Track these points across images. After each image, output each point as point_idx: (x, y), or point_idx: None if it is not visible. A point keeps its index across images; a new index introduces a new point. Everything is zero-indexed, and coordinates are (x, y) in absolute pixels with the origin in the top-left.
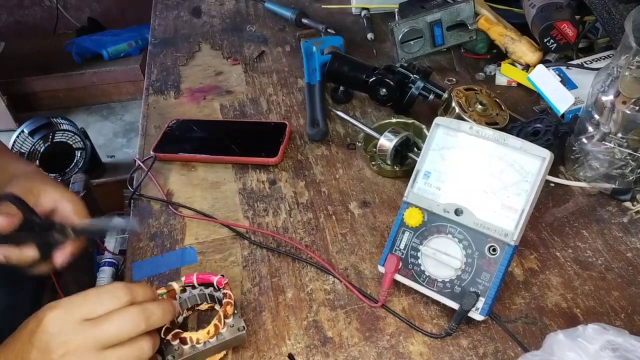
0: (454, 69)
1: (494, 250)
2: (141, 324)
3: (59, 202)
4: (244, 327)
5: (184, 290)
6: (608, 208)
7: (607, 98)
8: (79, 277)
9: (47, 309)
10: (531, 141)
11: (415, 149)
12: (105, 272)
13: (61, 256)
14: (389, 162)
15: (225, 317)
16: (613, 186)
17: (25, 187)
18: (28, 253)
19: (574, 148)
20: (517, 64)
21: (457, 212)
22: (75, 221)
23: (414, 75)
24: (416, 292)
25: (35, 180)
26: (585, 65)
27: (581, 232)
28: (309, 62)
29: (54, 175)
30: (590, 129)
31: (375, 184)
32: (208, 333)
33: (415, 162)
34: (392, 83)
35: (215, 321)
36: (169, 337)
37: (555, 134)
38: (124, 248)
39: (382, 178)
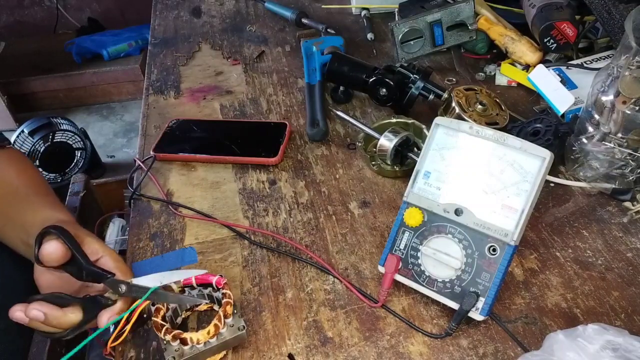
0: (454, 69)
1: (494, 250)
2: None
3: (101, 256)
4: (244, 326)
5: (182, 291)
6: (608, 208)
7: (607, 98)
8: None
9: None
10: (531, 141)
11: (415, 149)
12: None
13: (107, 316)
14: (389, 162)
15: (225, 316)
16: (613, 186)
17: (69, 232)
18: (70, 316)
19: (574, 148)
20: (517, 64)
21: (457, 212)
22: (119, 278)
23: (414, 75)
24: (416, 292)
25: (77, 229)
26: (585, 65)
27: (581, 232)
28: (309, 62)
29: (54, 175)
30: (590, 129)
31: (375, 184)
32: (208, 333)
33: (415, 162)
34: (392, 83)
35: (215, 321)
36: (169, 338)
37: (555, 134)
38: (124, 248)
39: (382, 178)
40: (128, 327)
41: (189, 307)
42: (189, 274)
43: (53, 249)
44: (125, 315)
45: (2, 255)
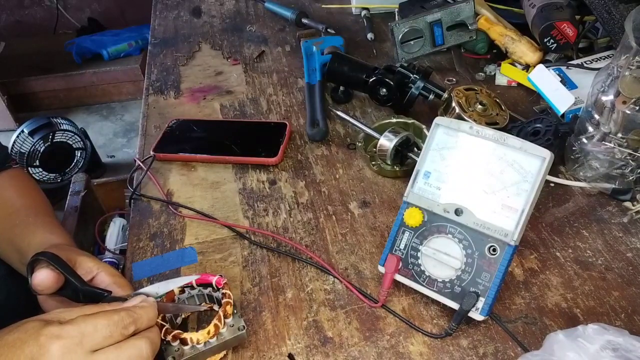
0: (454, 69)
1: (494, 250)
2: (149, 357)
3: (97, 273)
4: (244, 326)
5: (182, 292)
6: (608, 208)
7: (607, 98)
8: None
9: (52, 337)
10: (531, 141)
11: (415, 149)
12: None
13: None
14: (389, 162)
15: (225, 316)
16: (613, 186)
17: (61, 255)
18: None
19: (574, 148)
20: (517, 64)
21: (457, 212)
22: (118, 293)
23: (414, 75)
24: (416, 292)
25: (70, 251)
26: (585, 65)
27: (581, 232)
28: (309, 62)
29: (54, 175)
30: (590, 129)
31: (375, 184)
32: (208, 333)
33: (415, 162)
34: (392, 83)
35: (215, 321)
36: (169, 338)
37: (555, 134)
38: (124, 247)
39: (382, 178)
40: None
41: None
42: (185, 280)
43: (43, 277)
44: None
45: None
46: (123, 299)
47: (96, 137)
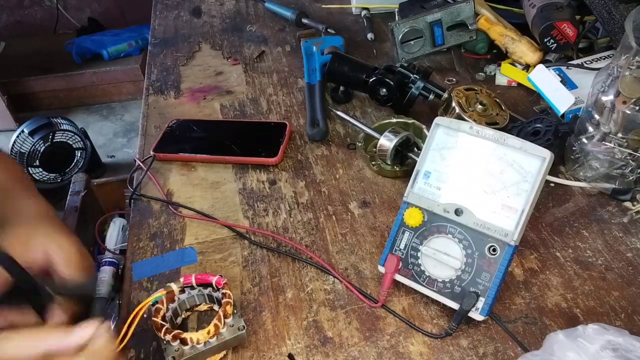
0: (454, 69)
1: (494, 250)
2: None
3: (50, 253)
4: (244, 326)
5: (182, 292)
6: (608, 208)
7: (607, 98)
8: None
9: None
10: (531, 141)
11: (415, 149)
12: (106, 272)
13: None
14: (389, 162)
15: (225, 316)
16: (613, 186)
17: (16, 233)
18: (30, 317)
19: (574, 148)
20: (517, 64)
21: (457, 212)
22: (65, 274)
23: (414, 75)
24: (416, 292)
25: (32, 227)
26: (585, 65)
27: (581, 232)
28: (309, 62)
29: (54, 175)
30: (590, 129)
31: (375, 184)
32: (208, 333)
33: (415, 162)
34: (392, 83)
35: (215, 321)
36: (169, 338)
37: (555, 134)
38: (124, 247)
39: (382, 178)
40: (130, 331)
41: (189, 307)
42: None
43: None
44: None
45: None
46: (51, 295)
47: (96, 137)
